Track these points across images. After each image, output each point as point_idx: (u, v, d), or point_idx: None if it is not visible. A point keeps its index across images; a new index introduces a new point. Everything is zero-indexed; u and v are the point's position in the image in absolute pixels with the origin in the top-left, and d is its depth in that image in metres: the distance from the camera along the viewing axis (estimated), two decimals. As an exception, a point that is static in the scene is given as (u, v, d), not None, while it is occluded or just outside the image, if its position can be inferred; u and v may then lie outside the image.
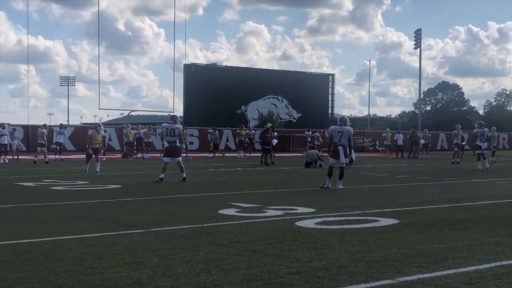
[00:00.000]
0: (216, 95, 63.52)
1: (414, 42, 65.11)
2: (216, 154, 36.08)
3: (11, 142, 30.32)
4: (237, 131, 39.51)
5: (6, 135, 29.25)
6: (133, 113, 65.05)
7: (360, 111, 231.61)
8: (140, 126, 35.37)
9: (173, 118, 17.58)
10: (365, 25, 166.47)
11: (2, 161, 27.82)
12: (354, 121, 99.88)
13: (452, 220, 9.41)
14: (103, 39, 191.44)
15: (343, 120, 15.30)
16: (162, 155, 18.90)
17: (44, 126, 30.09)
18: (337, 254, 6.59)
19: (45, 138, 29.00)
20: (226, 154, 37.15)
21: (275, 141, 28.03)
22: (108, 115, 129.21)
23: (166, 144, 17.31)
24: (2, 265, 5.97)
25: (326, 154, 17.14)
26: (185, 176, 17.17)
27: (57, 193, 13.66)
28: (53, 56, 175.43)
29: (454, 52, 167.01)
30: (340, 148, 14.90)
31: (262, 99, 69.20)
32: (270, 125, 30.24)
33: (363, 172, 22.03)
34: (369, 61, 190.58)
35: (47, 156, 28.25)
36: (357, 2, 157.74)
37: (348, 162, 15.48)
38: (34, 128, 39.97)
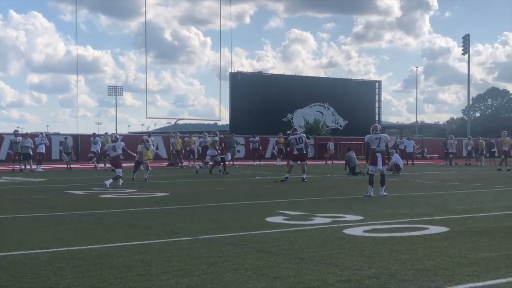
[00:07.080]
0: (262, 103, 63.69)
1: (462, 48, 63.91)
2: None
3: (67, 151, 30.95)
4: (276, 139, 39.46)
5: (44, 144, 29.88)
6: (180, 122, 65.82)
7: (408, 118, 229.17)
8: (206, 134, 34.33)
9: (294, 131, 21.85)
10: (413, 31, 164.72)
11: (40, 170, 28.36)
12: (402, 128, 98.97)
13: (504, 228, 9.19)
14: (150, 49, 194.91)
15: (376, 129, 15.63)
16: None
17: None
18: (386, 262, 6.51)
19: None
20: (266, 163, 37.18)
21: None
22: (155, 124, 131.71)
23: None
24: (53, 271, 6.08)
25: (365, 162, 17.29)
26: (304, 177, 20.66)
27: (106, 201, 13.88)
28: (102, 66, 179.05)
29: (504, 57, 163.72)
30: (379, 155, 15.18)
31: (308, 107, 69.11)
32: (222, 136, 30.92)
33: (412, 180, 21.69)
34: (417, 67, 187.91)
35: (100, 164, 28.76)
36: (405, 8, 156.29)
37: (387, 169, 15.73)
38: (84, 137, 40.80)
